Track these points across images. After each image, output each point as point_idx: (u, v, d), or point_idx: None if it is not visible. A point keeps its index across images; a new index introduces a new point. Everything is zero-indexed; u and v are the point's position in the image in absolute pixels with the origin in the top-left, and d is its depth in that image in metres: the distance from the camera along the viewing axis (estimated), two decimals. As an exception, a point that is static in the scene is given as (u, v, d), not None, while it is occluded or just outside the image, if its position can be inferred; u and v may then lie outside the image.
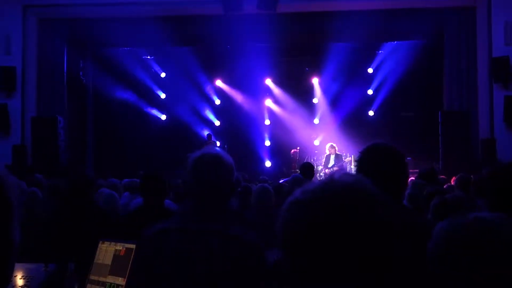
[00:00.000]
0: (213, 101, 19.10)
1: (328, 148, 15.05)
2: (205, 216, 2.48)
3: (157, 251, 2.40)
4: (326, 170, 14.80)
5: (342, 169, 14.81)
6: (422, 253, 2.26)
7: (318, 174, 14.91)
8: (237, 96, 18.71)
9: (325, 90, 18.36)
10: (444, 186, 7.25)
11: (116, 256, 2.93)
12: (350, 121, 17.48)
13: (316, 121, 18.62)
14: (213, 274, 2.33)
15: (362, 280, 1.07)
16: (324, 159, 15.15)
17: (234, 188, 2.67)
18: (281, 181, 10.86)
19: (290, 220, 1.13)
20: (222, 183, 2.51)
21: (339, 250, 1.06)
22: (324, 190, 1.13)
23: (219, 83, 18.82)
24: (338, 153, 15.05)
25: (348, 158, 15.45)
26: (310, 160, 15.43)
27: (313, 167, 9.10)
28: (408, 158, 14.30)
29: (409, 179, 6.48)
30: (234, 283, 2.34)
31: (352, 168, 15.30)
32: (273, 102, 18.88)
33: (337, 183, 1.15)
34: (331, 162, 14.88)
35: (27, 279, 2.86)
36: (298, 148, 16.67)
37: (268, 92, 18.89)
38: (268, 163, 18.47)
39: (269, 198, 5.93)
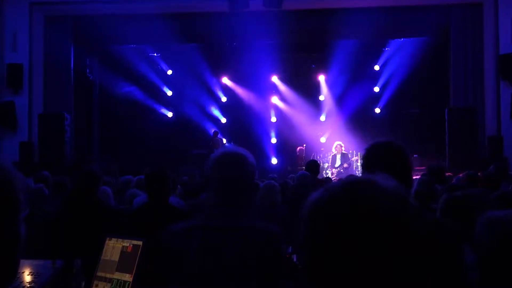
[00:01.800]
0: (220, 98, 19.12)
1: (334, 147, 15.05)
2: (228, 212, 2.50)
3: (182, 250, 2.41)
4: (334, 170, 14.79)
5: (349, 166, 14.82)
6: (431, 253, 2.26)
7: (324, 172, 14.92)
8: (243, 93, 18.72)
9: (331, 87, 18.34)
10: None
11: (123, 253, 2.94)
12: (357, 119, 17.47)
13: (322, 118, 18.60)
14: (241, 269, 2.36)
15: (379, 284, 1.08)
16: (330, 159, 15.15)
17: (255, 186, 2.70)
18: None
19: (314, 216, 1.13)
20: (245, 180, 2.54)
21: (359, 252, 1.07)
22: (352, 186, 1.13)
23: (225, 80, 18.84)
24: (344, 152, 15.04)
25: (355, 157, 15.43)
26: (316, 157, 15.41)
27: (319, 165, 9.10)
28: (414, 155, 14.33)
29: (414, 177, 6.48)
30: (262, 275, 2.37)
31: (359, 165, 15.31)
32: (279, 99, 18.88)
33: (363, 181, 1.15)
34: (338, 162, 14.88)
35: (35, 275, 2.87)
36: (304, 145, 16.66)
37: (274, 89, 18.89)
38: (274, 160, 18.47)
39: (275, 195, 5.95)
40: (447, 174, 9.24)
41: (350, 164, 14.92)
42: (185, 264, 2.40)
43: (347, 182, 1.15)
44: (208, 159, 2.62)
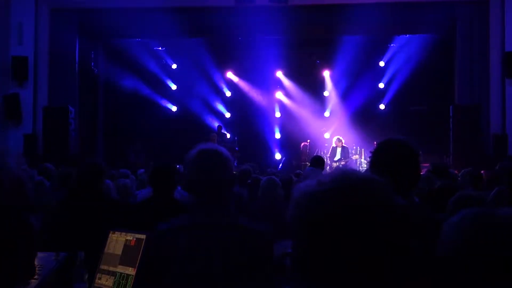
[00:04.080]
0: (224, 93, 19.11)
1: (334, 141, 15.07)
2: (212, 211, 2.51)
3: (169, 250, 2.42)
4: (334, 164, 14.74)
5: (348, 163, 14.80)
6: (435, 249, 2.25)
7: (328, 168, 14.90)
8: (248, 88, 18.71)
9: (336, 83, 18.32)
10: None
11: (127, 246, 2.95)
12: (361, 115, 17.46)
13: (326, 114, 18.59)
14: (229, 266, 2.37)
15: (374, 276, 1.07)
16: (330, 151, 15.12)
17: (234, 180, 2.71)
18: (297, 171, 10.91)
19: (307, 212, 1.12)
20: (223, 177, 2.54)
21: (354, 245, 1.07)
22: (345, 183, 1.13)
23: (230, 75, 18.82)
24: (345, 145, 15.04)
25: (356, 156, 15.42)
26: (320, 153, 15.42)
27: (324, 160, 9.08)
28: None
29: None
30: (249, 273, 2.37)
31: (363, 161, 15.30)
32: (284, 94, 18.86)
33: (355, 178, 1.14)
34: (338, 156, 14.88)
35: (38, 267, 2.88)
36: (308, 141, 16.64)
37: (279, 85, 18.87)
38: (278, 156, 18.48)
39: (276, 191, 5.93)
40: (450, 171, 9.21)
41: (349, 162, 14.91)
42: (174, 264, 2.40)
43: (335, 185, 1.13)
44: (184, 159, 2.62)
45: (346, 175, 1.15)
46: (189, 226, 2.48)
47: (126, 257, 2.92)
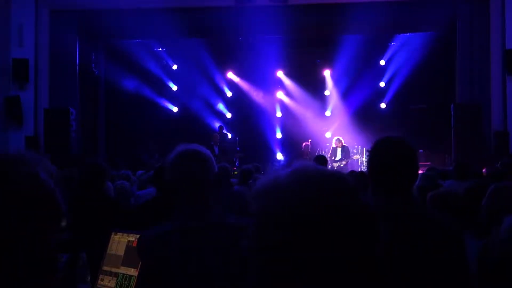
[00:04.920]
0: (225, 93, 19.11)
1: (334, 141, 15.04)
2: (198, 212, 2.50)
3: (162, 255, 2.39)
4: (335, 164, 14.72)
5: (348, 163, 14.80)
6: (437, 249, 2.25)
7: (330, 166, 14.89)
8: (249, 88, 18.71)
9: (336, 82, 18.32)
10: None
11: (129, 247, 2.95)
12: (362, 114, 17.45)
13: (327, 113, 18.59)
14: (223, 266, 2.37)
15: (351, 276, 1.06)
16: (330, 152, 15.10)
17: (219, 179, 2.70)
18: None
19: (278, 208, 1.11)
20: (205, 177, 2.53)
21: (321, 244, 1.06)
22: (304, 177, 1.12)
23: (230, 75, 18.82)
24: (345, 145, 15.02)
25: (357, 156, 15.40)
26: (322, 152, 15.40)
27: (327, 160, 9.08)
28: (420, 150, 14.28)
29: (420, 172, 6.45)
30: (244, 270, 2.36)
31: (364, 161, 15.28)
32: (285, 94, 18.86)
33: (316, 172, 1.14)
34: (338, 156, 14.85)
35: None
36: (309, 140, 16.63)
37: (280, 84, 18.87)
38: (279, 155, 18.47)
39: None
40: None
41: (350, 162, 14.90)
42: (168, 269, 2.38)
43: (301, 184, 1.12)
44: (166, 161, 2.60)
45: (308, 169, 1.15)
46: (177, 230, 2.45)
47: (128, 258, 2.92)
